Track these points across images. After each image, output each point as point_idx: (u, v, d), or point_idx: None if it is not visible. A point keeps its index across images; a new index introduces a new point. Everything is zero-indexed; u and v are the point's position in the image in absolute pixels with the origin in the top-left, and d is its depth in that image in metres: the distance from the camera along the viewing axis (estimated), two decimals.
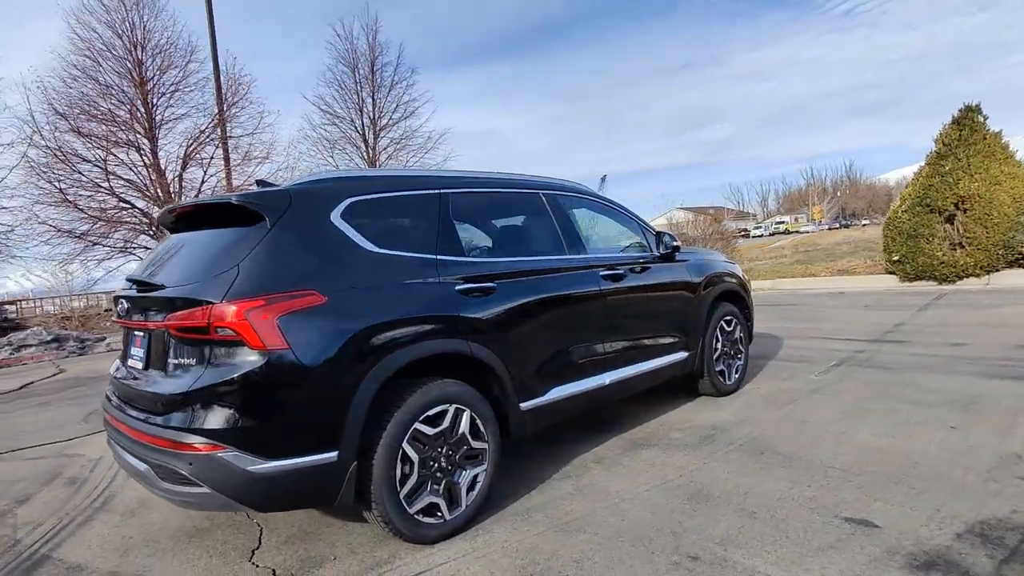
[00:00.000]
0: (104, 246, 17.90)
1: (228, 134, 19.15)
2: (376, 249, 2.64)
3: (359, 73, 23.71)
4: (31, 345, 13.19)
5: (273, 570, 2.53)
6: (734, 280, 4.75)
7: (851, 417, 3.81)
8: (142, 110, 18.18)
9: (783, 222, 68.04)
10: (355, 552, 2.62)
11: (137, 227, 18.11)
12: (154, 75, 18.51)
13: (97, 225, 17.49)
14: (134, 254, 18.52)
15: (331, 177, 2.80)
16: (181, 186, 18.90)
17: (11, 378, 9.71)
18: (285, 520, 3.02)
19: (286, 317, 2.26)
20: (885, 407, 3.95)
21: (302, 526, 2.94)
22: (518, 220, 3.60)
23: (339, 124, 23.55)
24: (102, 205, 17.44)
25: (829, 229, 55.58)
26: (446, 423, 2.65)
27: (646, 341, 3.84)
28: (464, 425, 2.73)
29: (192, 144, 18.87)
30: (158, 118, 18.55)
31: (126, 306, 2.65)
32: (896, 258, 10.42)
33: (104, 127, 17.06)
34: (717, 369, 4.47)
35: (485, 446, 2.82)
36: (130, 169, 17.95)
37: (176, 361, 2.39)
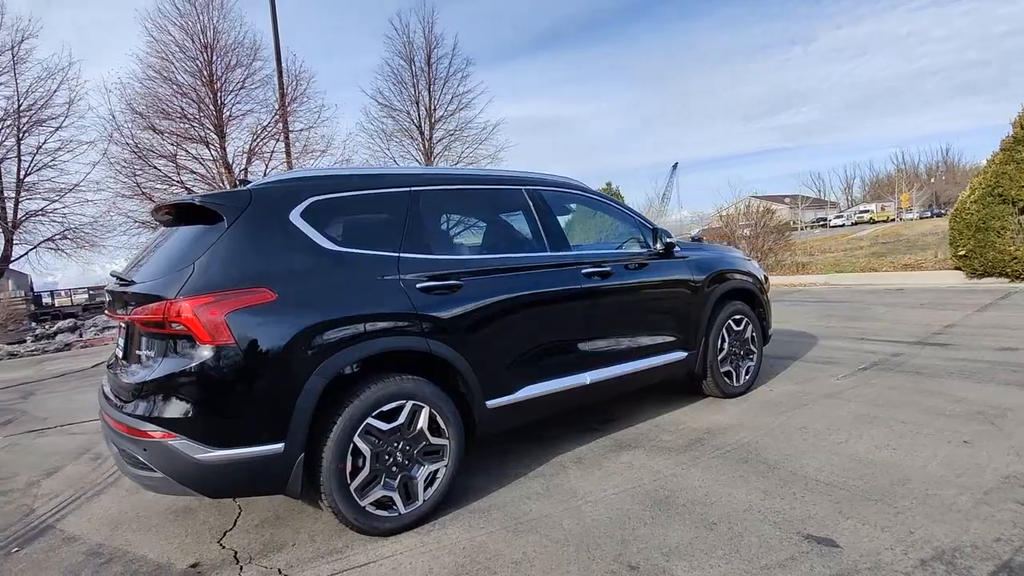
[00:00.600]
0: None
1: (289, 128, 20.00)
2: (334, 247, 2.70)
3: (415, 66, 24.11)
4: (113, 327, 14.34)
5: (235, 552, 2.67)
6: (746, 278, 4.53)
7: (857, 426, 3.57)
8: (212, 107, 19.24)
9: (867, 211, 63.79)
10: (314, 540, 2.72)
11: None
12: (223, 74, 19.53)
13: None
14: None
15: (296, 176, 2.89)
16: (247, 179, 19.89)
17: (93, 357, 10.63)
18: (264, 504, 3.17)
19: (234, 314, 2.36)
20: (898, 416, 3.68)
21: (277, 511, 3.07)
22: (495, 217, 3.58)
23: (395, 116, 24.07)
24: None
25: (920, 218, 51.63)
26: (402, 419, 2.69)
27: (636, 340, 3.74)
28: (423, 421, 2.76)
29: (256, 139, 19.81)
30: (226, 114, 19.55)
31: (109, 299, 2.84)
32: (963, 252, 9.59)
33: (176, 124, 18.19)
34: (723, 370, 4.29)
35: (446, 443, 2.84)
36: (200, 163, 19.07)
37: (142, 353, 2.55)
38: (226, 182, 19.44)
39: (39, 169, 16.85)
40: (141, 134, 17.49)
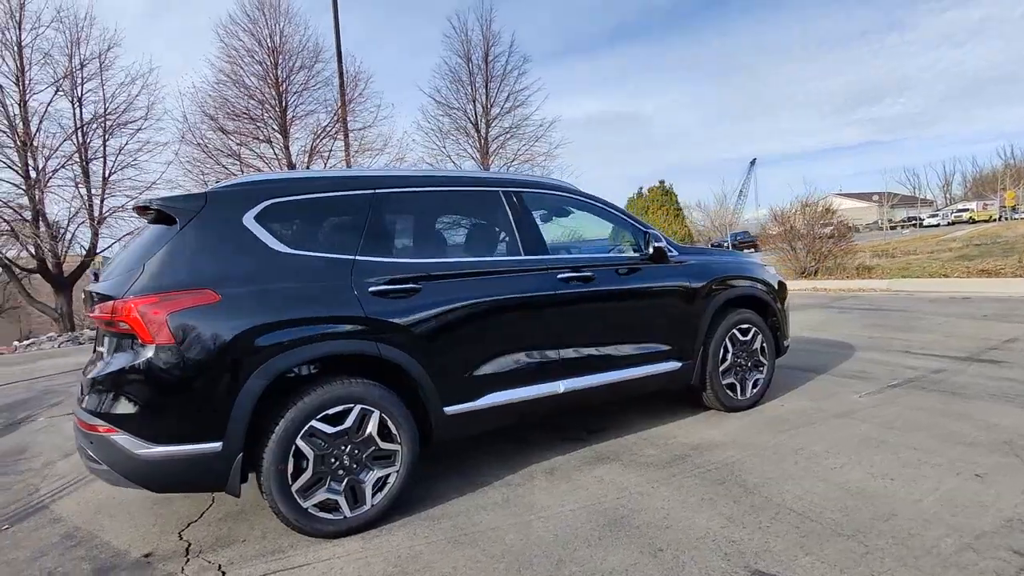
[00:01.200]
0: None
1: (348, 128, 20.64)
2: (286, 250, 2.72)
3: (472, 63, 24.30)
4: None
5: (189, 544, 2.75)
6: (755, 284, 4.24)
7: (860, 450, 3.26)
8: (276, 108, 20.13)
9: (966, 209, 58.57)
10: (265, 537, 2.75)
11: None
12: (287, 76, 20.38)
13: None
14: None
15: (256, 179, 2.92)
16: None
17: None
18: (235, 498, 3.24)
19: (176, 314, 2.41)
20: (911, 442, 3.33)
21: (243, 506, 3.14)
22: (469, 219, 3.50)
23: (452, 114, 24.35)
24: None
25: None
26: (349, 423, 2.68)
27: (620, 349, 3.57)
28: (372, 426, 2.73)
29: (317, 138, 20.57)
30: (289, 115, 20.41)
31: (84, 297, 2.99)
32: None
33: (243, 124, 19.17)
34: (725, 382, 4.03)
35: (397, 448, 2.80)
36: (263, 162, 19.97)
37: (102, 350, 2.66)
38: None
39: (122, 168, 18.16)
40: (210, 134, 18.53)
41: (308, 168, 20.69)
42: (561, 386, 3.31)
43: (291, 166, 20.38)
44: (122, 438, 2.38)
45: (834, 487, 2.83)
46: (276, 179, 2.94)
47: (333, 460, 2.66)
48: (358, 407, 2.70)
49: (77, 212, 17.31)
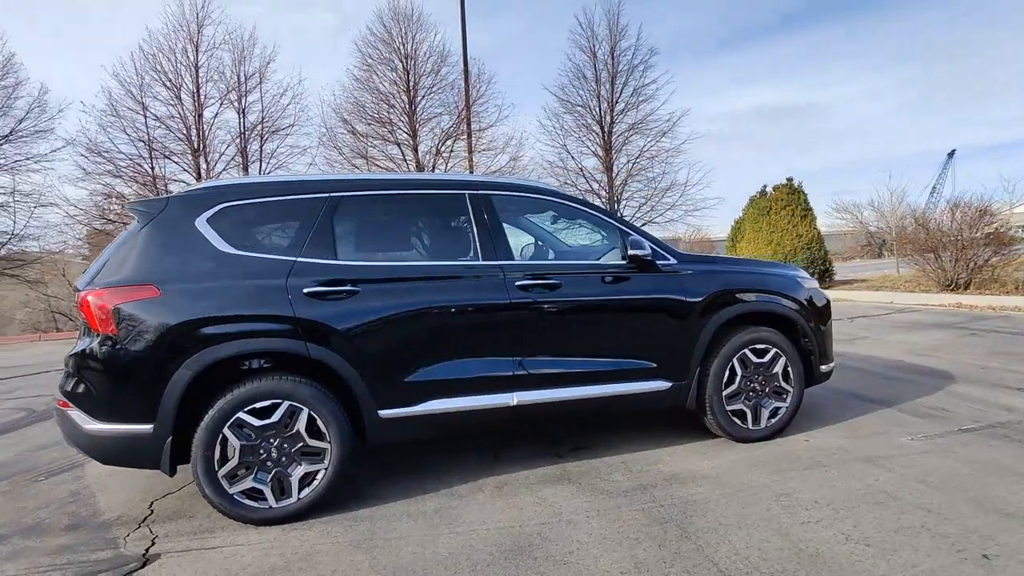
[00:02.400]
0: None
1: (472, 128, 21.41)
2: (231, 251, 2.89)
3: (598, 59, 23.90)
4: None
5: (151, 512, 3.05)
6: (779, 300, 3.69)
7: (856, 505, 2.72)
8: (407, 112, 21.41)
9: None
10: (209, 516, 2.97)
11: None
12: (417, 81, 21.58)
13: None
14: None
15: (215, 184, 3.13)
16: None
17: None
18: None
19: (120, 306, 2.69)
20: (927, 502, 2.71)
21: None
22: (430, 223, 3.43)
23: (575, 112, 24.19)
24: None
25: None
26: (276, 417, 2.79)
27: (592, 363, 3.32)
28: (301, 423, 2.83)
29: (441, 141, 21.57)
30: (417, 118, 21.62)
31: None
32: None
33: (375, 128, 20.68)
34: (731, 408, 3.58)
35: (327, 446, 2.87)
36: (392, 163, 21.34)
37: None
38: None
39: (275, 169, 20.54)
40: (345, 137, 20.23)
41: (433, 168, 21.82)
42: (515, 398, 3.17)
43: (419, 167, 21.58)
44: (75, 413, 2.71)
45: (789, 545, 2.39)
46: (232, 184, 3.14)
47: (261, 452, 2.80)
48: (286, 403, 2.81)
49: None
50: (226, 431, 2.74)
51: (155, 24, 27.74)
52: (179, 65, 18.78)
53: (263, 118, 20.26)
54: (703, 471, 3.24)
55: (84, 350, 2.72)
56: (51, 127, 19.04)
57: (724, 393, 3.56)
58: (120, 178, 17.99)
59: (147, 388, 2.68)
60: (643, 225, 21.56)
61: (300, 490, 2.84)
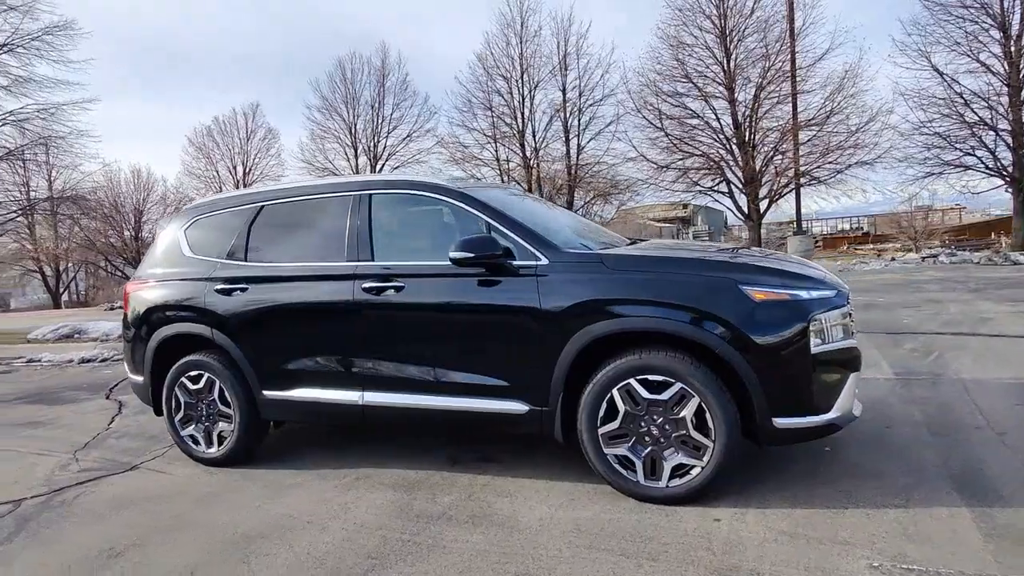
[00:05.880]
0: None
1: (795, 68, 18.29)
2: (190, 254, 3.83)
3: None
4: None
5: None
6: (680, 315, 2.63)
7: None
8: (722, 64, 19.48)
9: None
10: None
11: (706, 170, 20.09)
12: (735, 25, 19.35)
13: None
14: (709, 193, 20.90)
15: (202, 200, 4.07)
16: (753, 134, 19.41)
17: None
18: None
19: (132, 293, 3.95)
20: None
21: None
22: (311, 225, 3.56)
23: (955, 16, 17.89)
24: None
25: None
26: (202, 384, 3.66)
27: (437, 372, 3.09)
28: (216, 391, 3.63)
29: (760, 88, 18.99)
30: (733, 65, 19.46)
31: None
32: None
33: (680, 85, 19.63)
34: (612, 452, 2.77)
35: (231, 412, 3.59)
36: (715, 118, 19.76)
37: None
38: (733, 141, 19.50)
39: (593, 138, 21.90)
40: (652, 100, 19.84)
41: (755, 115, 19.38)
42: (363, 397, 3.26)
43: (735, 121, 19.53)
44: (127, 367, 4.12)
45: None
46: (207, 200, 4.06)
47: (198, 407, 3.70)
48: (207, 374, 3.64)
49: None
50: (176, 388, 3.73)
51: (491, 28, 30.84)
52: (512, 58, 21.54)
53: (580, 93, 21.65)
54: (527, 522, 2.68)
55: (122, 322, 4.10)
56: (432, 127, 24.82)
57: (601, 431, 2.78)
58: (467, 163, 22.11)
59: (141, 351, 3.84)
60: None
61: (219, 444, 3.64)
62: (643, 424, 2.72)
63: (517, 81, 21.22)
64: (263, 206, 3.73)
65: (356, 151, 27.06)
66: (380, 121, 26.56)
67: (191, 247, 3.88)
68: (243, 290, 3.55)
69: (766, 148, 19.11)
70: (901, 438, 3.29)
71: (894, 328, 6.17)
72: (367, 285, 3.20)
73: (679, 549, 2.34)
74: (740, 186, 19.52)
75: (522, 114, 21.42)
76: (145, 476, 3.65)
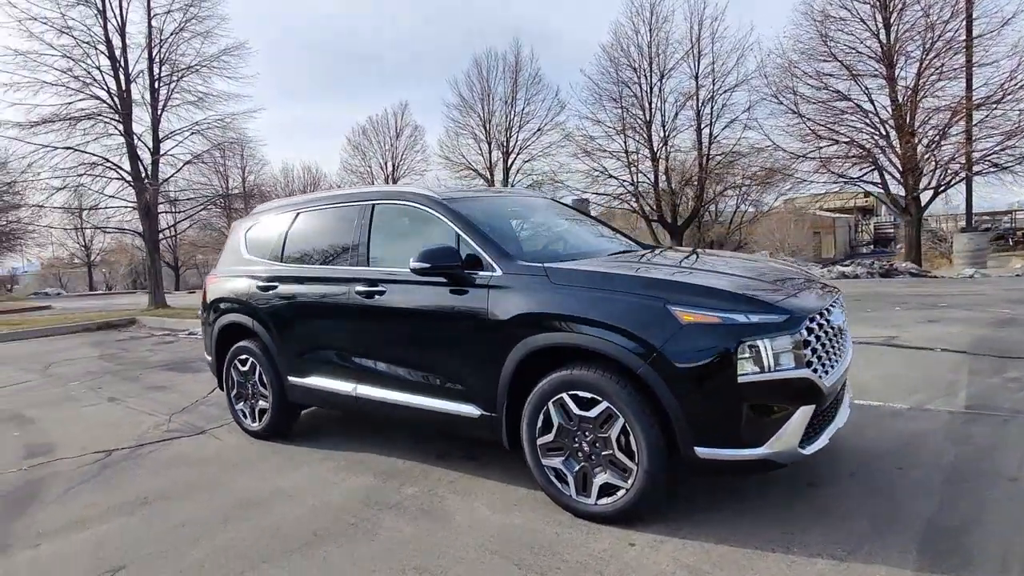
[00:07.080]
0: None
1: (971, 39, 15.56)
2: (247, 255, 4.48)
3: None
4: None
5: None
6: (605, 335, 2.58)
7: None
8: (879, 37, 17.13)
9: None
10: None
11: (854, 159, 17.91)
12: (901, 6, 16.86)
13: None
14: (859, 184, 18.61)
15: (264, 206, 4.69)
16: (913, 116, 16.87)
17: None
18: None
19: (208, 285, 4.71)
20: None
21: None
22: (331, 231, 3.93)
23: None
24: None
25: None
26: (247, 367, 4.30)
27: (411, 371, 3.36)
28: (257, 374, 4.24)
29: (925, 63, 16.40)
30: (899, 37, 16.99)
31: None
32: None
33: (832, 65, 17.58)
34: (548, 464, 2.83)
35: (268, 393, 4.18)
36: (870, 101, 17.47)
37: None
38: (886, 122, 17.13)
39: (724, 129, 20.63)
40: (796, 84, 18.07)
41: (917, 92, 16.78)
42: (356, 389, 3.63)
43: (893, 101, 17.07)
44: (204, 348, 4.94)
45: None
46: (263, 207, 4.66)
47: (247, 386, 4.35)
48: (251, 359, 4.26)
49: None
50: (232, 366, 4.42)
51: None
52: (641, 47, 20.92)
53: (713, 80, 20.48)
54: (461, 521, 2.85)
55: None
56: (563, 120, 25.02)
57: (539, 442, 2.85)
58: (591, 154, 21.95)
59: (211, 334, 4.62)
60: None
61: (259, 417, 4.26)
62: (576, 439, 2.74)
63: (645, 70, 20.58)
64: (299, 213, 4.25)
65: (490, 146, 28.11)
66: (513, 115, 27.30)
67: (247, 248, 4.54)
68: (274, 288, 4.09)
69: (930, 131, 16.52)
70: (904, 481, 2.89)
71: (1014, 351, 5.18)
72: (359, 288, 3.55)
73: (571, 569, 2.36)
74: (897, 175, 17.10)
75: (650, 103, 20.76)
76: (207, 440, 4.38)
